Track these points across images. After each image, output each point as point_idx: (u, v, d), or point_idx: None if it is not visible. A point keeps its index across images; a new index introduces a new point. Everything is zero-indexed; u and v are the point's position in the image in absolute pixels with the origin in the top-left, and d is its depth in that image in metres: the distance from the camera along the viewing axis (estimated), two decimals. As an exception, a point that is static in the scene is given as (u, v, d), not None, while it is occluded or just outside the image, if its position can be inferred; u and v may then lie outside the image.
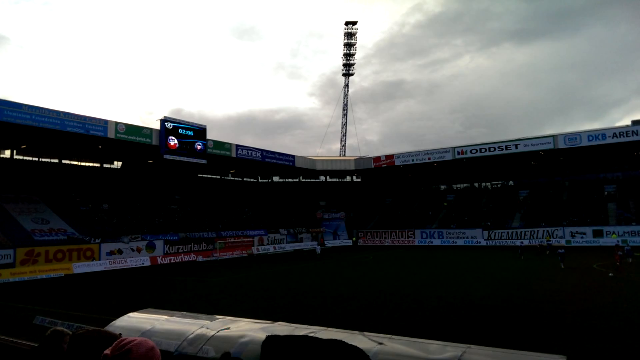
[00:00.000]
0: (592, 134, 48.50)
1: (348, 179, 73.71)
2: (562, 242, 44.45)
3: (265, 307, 18.16)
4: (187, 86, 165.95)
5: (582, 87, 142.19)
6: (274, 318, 9.72)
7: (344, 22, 77.26)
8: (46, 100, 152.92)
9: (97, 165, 50.68)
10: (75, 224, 39.20)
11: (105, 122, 37.56)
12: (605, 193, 52.52)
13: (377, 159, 62.84)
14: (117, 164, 52.74)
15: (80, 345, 2.07)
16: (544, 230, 48.70)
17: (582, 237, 45.56)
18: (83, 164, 49.46)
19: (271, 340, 1.14)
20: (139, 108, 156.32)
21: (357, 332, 6.38)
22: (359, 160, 65.95)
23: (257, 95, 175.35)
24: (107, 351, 1.67)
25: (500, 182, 65.36)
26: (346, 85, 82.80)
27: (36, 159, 45.52)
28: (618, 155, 53.18)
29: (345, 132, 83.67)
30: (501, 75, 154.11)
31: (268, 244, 52.48)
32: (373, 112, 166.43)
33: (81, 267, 34.60)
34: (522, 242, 43.74)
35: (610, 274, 24.70)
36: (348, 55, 79.38)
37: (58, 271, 33.08)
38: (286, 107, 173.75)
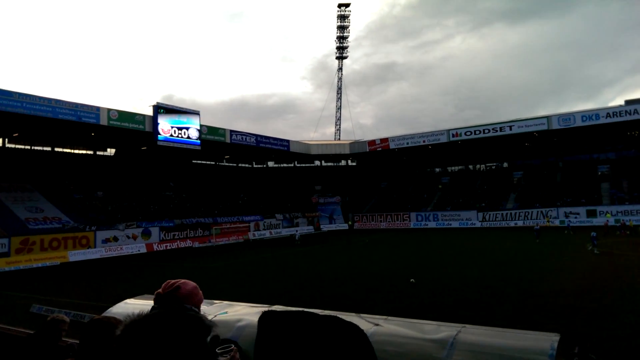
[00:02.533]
0: (586, 115, 48.58)
1: (343, 163, 73.68)
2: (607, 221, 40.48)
3: (262, 291, 18.29)
4: (178, 72, 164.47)
5: (575, 67, 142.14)
6: (270, 302, 9.79)
7: (336, 5, 76.34)
8: (37, 88, 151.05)
9: (90, 152, 50.33)
10: (69, 212, 39.07)
11: (98, 109, 37.20)
12: (599, 173, 52.85)
13: (372, 142, 62.76)
14: (111, 151, 52.40)
15: (98, 330, 2.18)
16: (538, 211, 49.12)
17: (576, 217, 45.99)
18: (76, 151, 49.11)
19: (268, 315, 1.20)
20: (130, 94, 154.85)
21: (353, 313, 6.43)
22: (354, 144, 65.85)
23: (249, 79, 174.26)
24: (159, 290, 1.84)
25: (494, 163, 65.58)
26: (340, 69, 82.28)
27: (28, 147, 45.14)
28: (611, 135, 53.35)
29: (340, 116, 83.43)
30: (493, 56, 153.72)
31: (264, 229, 52.63)
32: (365, 95, 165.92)
33: (77, 255, 34.61)
34: (537, 225, 39.50)
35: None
36: (341, 38, 78.64)
37: (54, 259, 33.08)
38: (279, 92, 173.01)
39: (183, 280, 1.90)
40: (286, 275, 23.31)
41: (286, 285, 20.16)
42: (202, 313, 1.82)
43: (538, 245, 30.92)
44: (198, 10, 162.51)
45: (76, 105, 35.74)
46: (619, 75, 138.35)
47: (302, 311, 1.21)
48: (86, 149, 49.83)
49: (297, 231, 48.78)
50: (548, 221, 46.45)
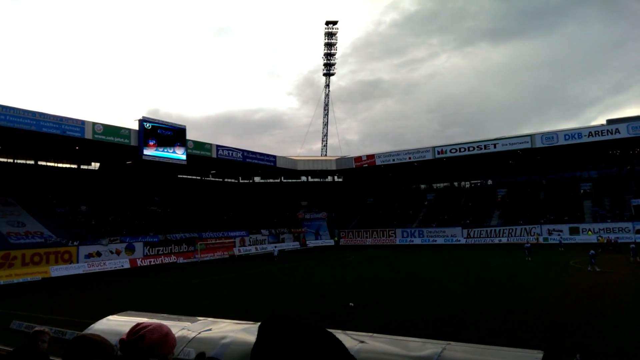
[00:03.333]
0: (569, 133, 49.62)
1: (329, 179, 73.84)
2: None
3: (247, 308, 18.07)
4: (164, 86, 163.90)
5: (557, 86, 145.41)
6: (255, 319, 9.67)
7: (324, 22, 77.28)
8: (21, 101, 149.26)
9: (74, 166, 49.70)
10: (52, 226, 38.34)
11: (82, 122, 36.85)
12: (581, 191, 53.76)
13: (358, 158, 63.11)
14: (95, 165, 51.83)
15: (82, 347, 2.13)
16: (522, 228, 49.64)
17: (559, 235, 46.56)
18: (60, 165, 48.47)
19: (269, 322, 1.18)
20: (115, 108, 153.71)
21: (339, 330, 6.42)
22: (340, 160, 66.11)
23: (236, 94, 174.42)
24: (124, 336, 1.74)
25: (479, 181, 66.35)
26: (327, 85, 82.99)
27: (11, 160, 44.45)
28: (594, 153, 54.51)
29: (327, 132, 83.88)
30: (477, 74, 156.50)
31: (250, 245, 52.20)
32: (351, 112, 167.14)
33: (59, 271, 33.85)
34: (528, 242, 37.61)
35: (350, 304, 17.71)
36: (329, 55, 79.44)
37: (35, 275, 32.30)
38: (265, 107, 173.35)
39: (151, 327, 1.75)
40: (271, 292, 23.10)
41: (271, 301, 19.97)
42: None
43: (528, 263, 30.80)
44: (185, 25, 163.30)
45: (61, 118, 35.37)
46: (600, 95, 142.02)
47: (300, 321, 1.20)
48: (70, 163, 49.20)
49: (275, 247, 47.50)
50: (537, 238, 46.97)
